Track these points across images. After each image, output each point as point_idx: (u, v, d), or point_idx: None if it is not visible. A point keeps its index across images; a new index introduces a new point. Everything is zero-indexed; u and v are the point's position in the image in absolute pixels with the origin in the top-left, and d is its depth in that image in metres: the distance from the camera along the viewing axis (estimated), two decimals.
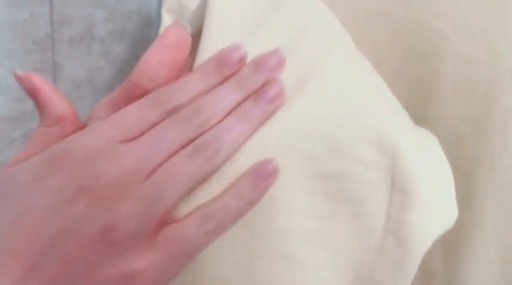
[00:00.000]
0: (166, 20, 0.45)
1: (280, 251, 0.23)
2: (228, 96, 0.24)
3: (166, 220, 0.23)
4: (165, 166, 0.23)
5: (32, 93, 0.26)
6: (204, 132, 0.24)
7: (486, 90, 0.32)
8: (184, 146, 0.24)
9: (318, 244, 0.24)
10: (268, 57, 0.26)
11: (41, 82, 0.26)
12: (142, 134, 0.24)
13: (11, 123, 0.58)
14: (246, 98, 0.25)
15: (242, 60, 0.25)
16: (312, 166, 0.24)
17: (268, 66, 0.25)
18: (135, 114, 0.24)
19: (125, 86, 0.26)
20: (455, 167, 0.34)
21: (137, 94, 0.25)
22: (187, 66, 0.27)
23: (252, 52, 0.26)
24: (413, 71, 0.36)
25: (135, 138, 0.24)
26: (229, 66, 0.25)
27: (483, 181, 0.33)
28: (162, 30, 0.45)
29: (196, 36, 0.28)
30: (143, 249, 0.22)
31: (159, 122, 0.24)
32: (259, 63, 0.25)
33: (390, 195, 0.24)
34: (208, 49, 0.26)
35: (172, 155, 0.23)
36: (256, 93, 0.25)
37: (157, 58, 0.25)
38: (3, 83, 0.57)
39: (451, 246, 0.35)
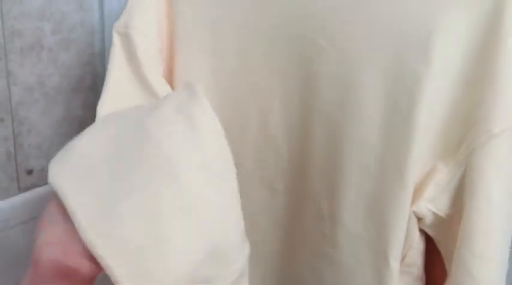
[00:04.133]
0: (116, 41, 0.51)
1: None
2: None
3: None
4: None
5: None
6: None
7: (346, 83, 0.44)
8: None
9: None
10: None
11: None
12: None
13: None
14: None
15: None
16: None
17: None
18: None
19: None
20: (330, 138, 0.47)
21: None
22: None
23: None
24: (303, 72, 0.47)
25: None
26: None
27: (348, 147, 0.45)
28: (112, 50, 0.51)
29: None
30: None
31: None
32: None
33: None
34: None
35: None
36: None
37: None
38: None
39: (331, 196, 0.47)
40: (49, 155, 0.73)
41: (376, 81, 0.42)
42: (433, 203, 0.44)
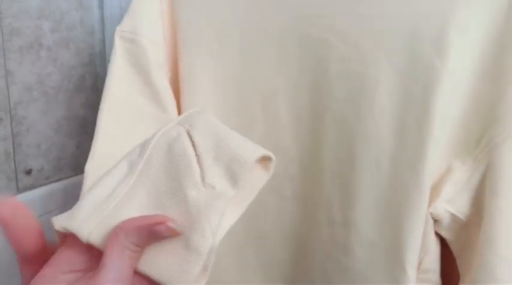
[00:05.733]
0: (118, 46, 0.49)
1: None
2: None
3: None
4: None
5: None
6: None
7: (358, 80, 0.42)
8: None
9: None
10: None
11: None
12: None
13: None
14: None
15: None
16: None
17: None
18: None
19: None
20: (342, 138, 0.45)
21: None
22: None
23: None
24: (313, 70, 0.45)
25: None
26: None
27: (361, 147, 0.43)
28: (114, 54, 0.50)
29: None
30: None
31: None
32: None
33: None
34: None
35: None
36: None
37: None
38: None
39: (344, 200, 0.46)
40: (48, 155, 0.71)
41: (390, 76, 0.41)
42: (451, 203, 0.42)
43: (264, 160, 0.33)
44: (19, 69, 0.68)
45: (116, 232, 0.28)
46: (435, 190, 0.42)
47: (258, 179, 0.33)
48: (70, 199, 0.71)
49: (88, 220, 0.29)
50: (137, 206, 0.30)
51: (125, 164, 0.33)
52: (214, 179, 0.30)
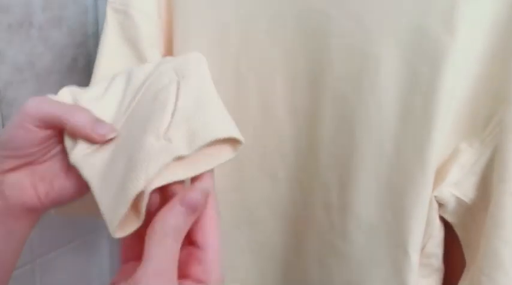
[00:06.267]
0: (110, 18, 0.48)
1: None
2: None
3: None
4: None
5: None
6: None
7: (360, 56, 0.40)
8: None
9: None
10: None
11: None
12: None
13: None
14: None
15: None
16: None
17: None
18: None
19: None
20: (342, 118, 0.43)
21: None
22: None
23: None
24: (312, 46, 0.43)
25: None
26: None
27: (362, 127, 0.41)
28: (106, 28, 0.48)
29: None
30: None
31: None
32: None
33: None
34: None
35: None
36: None
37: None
38: None
39: (342, 183, 0.44)
40: None
41: (394, 52, 0.39)
42: (457, 187, 0.40)
43: (235, 141, 0.33)
44: (8, 49, 0.65)
45: (154, 221, 0.28)
46: (440, 173, 0.40)
47: (220, 155, 0.33)
48: None
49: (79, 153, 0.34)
50: (114, 143, 0.34)
51: (125, 104, 0.36)
52: (176, 134, 0.31)
